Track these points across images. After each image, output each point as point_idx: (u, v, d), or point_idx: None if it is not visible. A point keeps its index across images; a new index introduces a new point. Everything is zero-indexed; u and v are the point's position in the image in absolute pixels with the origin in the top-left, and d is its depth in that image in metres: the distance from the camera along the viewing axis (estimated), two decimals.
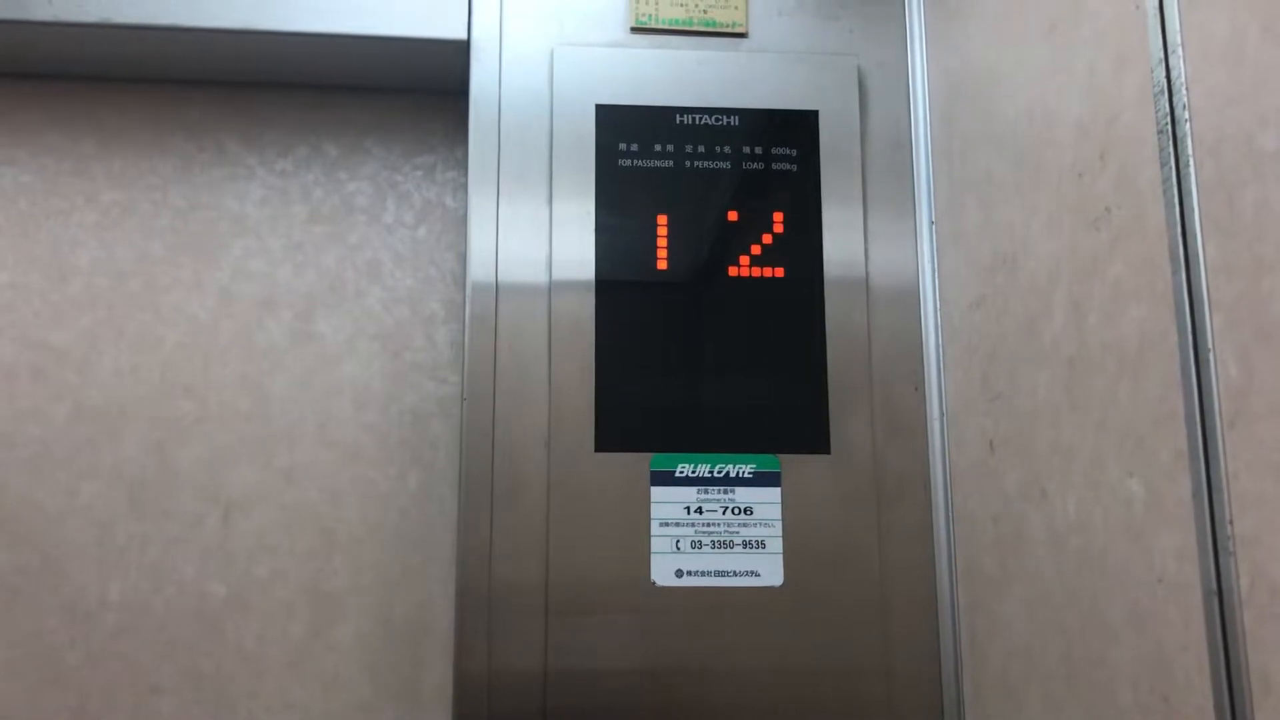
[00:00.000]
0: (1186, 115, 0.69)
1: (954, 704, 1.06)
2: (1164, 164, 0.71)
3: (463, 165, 1.24)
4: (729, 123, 1.14)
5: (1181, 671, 0.69)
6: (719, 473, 1.08)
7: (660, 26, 1.17)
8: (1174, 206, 0.70)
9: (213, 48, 1.19)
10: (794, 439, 1.09)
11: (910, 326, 1.14)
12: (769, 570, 1.06)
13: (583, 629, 1.04)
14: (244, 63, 1.23)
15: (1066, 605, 0.85)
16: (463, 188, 1.26)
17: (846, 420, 1.10)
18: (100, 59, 1.22)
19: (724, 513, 1.07)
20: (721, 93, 1.15)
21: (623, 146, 1.13)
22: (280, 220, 1.27)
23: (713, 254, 1.12)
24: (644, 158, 1.13)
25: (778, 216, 1.13)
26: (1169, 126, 0.71)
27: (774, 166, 1.14)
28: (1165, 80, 0.72)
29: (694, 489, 1.07)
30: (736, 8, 1.18)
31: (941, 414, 1.11)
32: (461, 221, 1.27)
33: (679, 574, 1.06)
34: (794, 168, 1.14)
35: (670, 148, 1.13)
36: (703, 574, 1.06)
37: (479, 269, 1.11)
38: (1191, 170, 0.69)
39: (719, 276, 1.12)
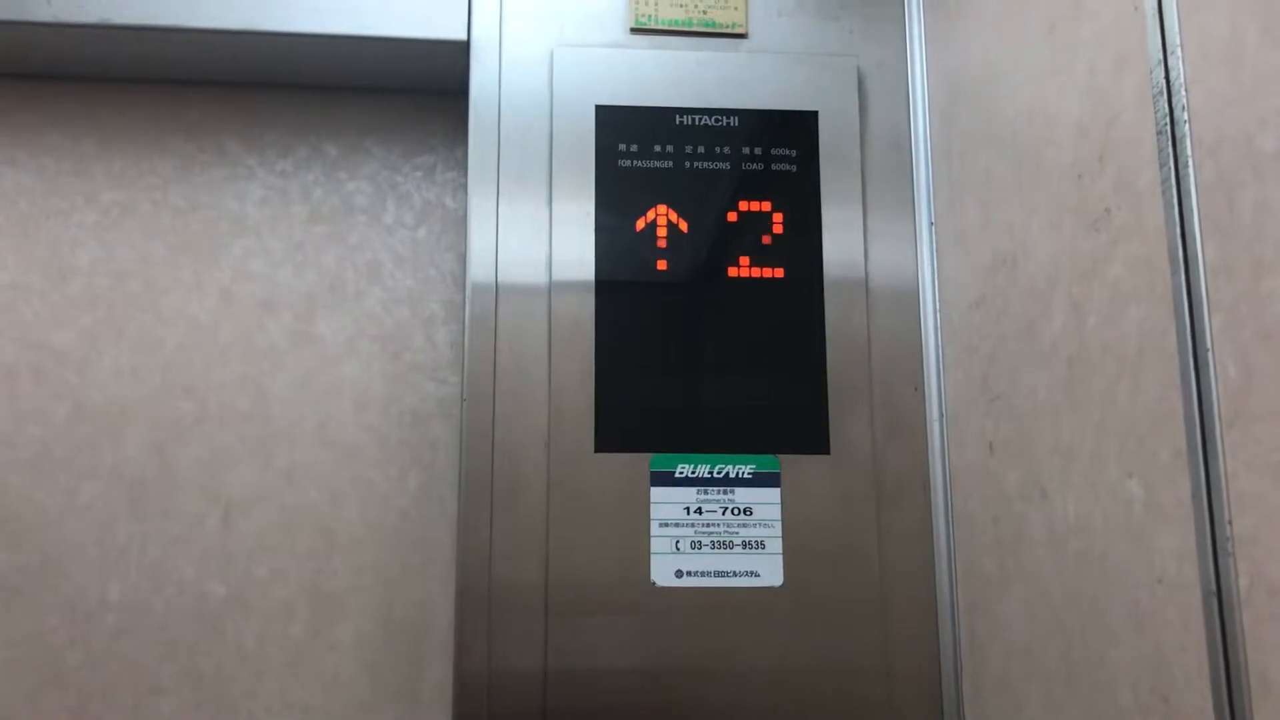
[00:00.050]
0: (1186, 116, 0.69)
1: (954, 704, 1.06)
2: (1163, 165, 0.71)
3: (462, 166, 1.25)
4: (729, 123, 1.14)
5: (1181, 672, 0.69)
6: (719, 473, 1.08)
7: (660, 27, 1.17)
8: (1173, 207, 0.70)
9: (212, 48, 1.19)
10: (794, 439, 1.09)
11: (910, 327, 1.14)
12: (769, 571, 1.06)
13: (583, 629, 1.04)
14: (244, 63, 1.23)
15: (1066, 606, 0.85)
16: (463, 188, 1.27)
17: (846, 421, 1.10)
18: (100, 59, 1.22)
19: (724, 513, 1.07)
20: (721, 93, 1.15)
21: (622, 147, 1.13)
22: (280, 221, 1.27)
23: (712, 255, 1.12)
24: (644, 158, 1.13)
25: (777, 217, 1.13)
26: (1168, 127, 0.71)
27: (774, 167, 1.14)
28: (1165, 81, 0.72)
29: (694, 489, 1.07)
30: (736, 8, 1.18)
31: (941, 414, 1.11)
32: (461, 222, 1.27)
33: (679, 574, 1.06)
34: (794, 168, 1.14)
35: (670, 148, 1.13)
36: (702, 574, 1.06)
37: (479, 269, 1.11)
38: (1191, 171, 0.69)
39: (719, 277, 1.12)
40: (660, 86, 1.15)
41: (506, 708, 1.03)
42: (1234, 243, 0.64)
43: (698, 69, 1.16)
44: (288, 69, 1.25)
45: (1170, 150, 0.71)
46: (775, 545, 1.07)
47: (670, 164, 1.13)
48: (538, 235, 1.11)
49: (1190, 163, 0.69)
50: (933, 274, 1.14)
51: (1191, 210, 0.68)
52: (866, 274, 1.13)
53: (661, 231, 1.12)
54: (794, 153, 1.14)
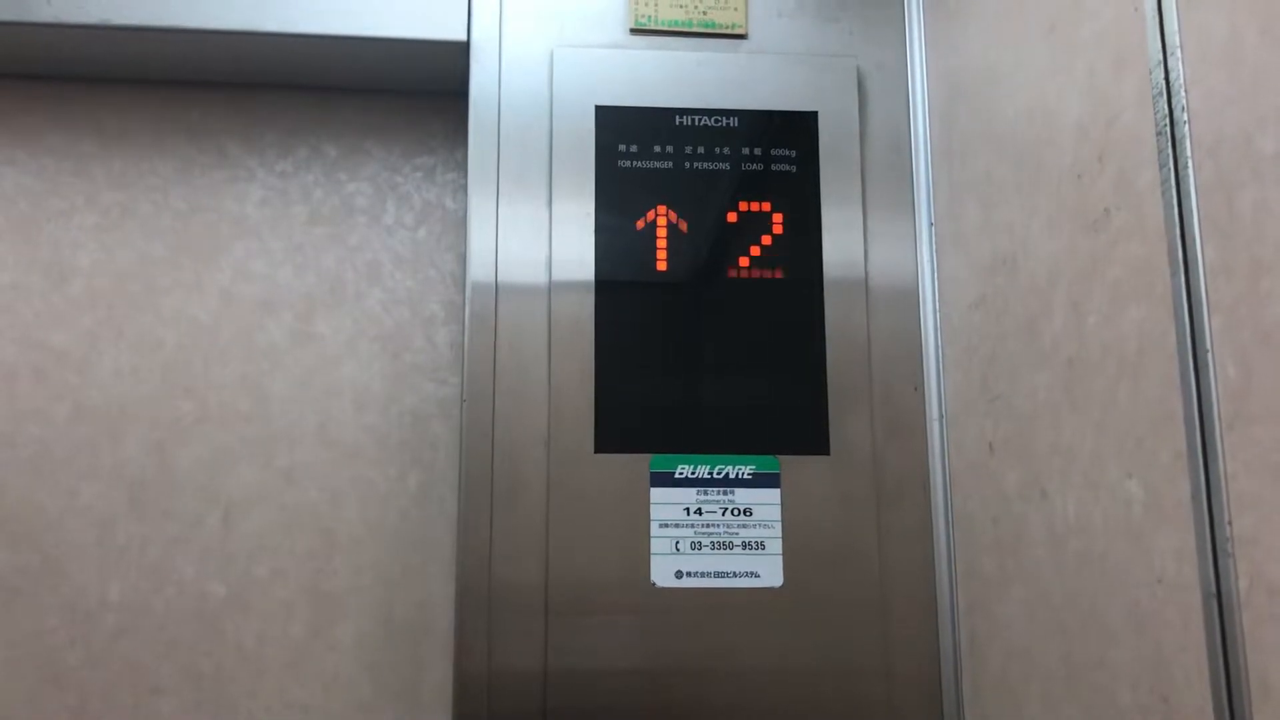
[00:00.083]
0: (1185, 117, 0.69)
1: (954, 705, 1.06)
2: (1163, 165, 0.71)
3: (462, 166, 1.25)
4: (728, 124, 1.14)
5: (1181, 672, 0.69)
6: (718, 474, 1.08)
7: (660, 28, 1.17)
8: (1173, 208, 0.70)
9: (213, 49, 1.19)
10: (793, 440, 1.09)
11: (910, 327, 1.14)
12: (769, 571, 1.06)
13: (583, 629, 1.04)
14: (244, 64, 1.23)
15: (1066, 606, 0.85)
16: (462, 189, 1.27)
17: (846, 421, 1.10)
18: (100, 60, 1.22)
19: (723, 514, 1.07)
20: (721, 94, 1.15)
21: (622, 147, 1.13)
22: (280, 222, 1.27)
23: (712, 255, 1.12)
24: (644, 159, 1.13)
25: (777, 217, 1.13)
26: (1168, 128, 0.71)
27: (773, 168, 1.14)
28: (1164, 82, 0.72)
29: (693, 490, 1.07)
30: (736, 9, 1.18)
31: (941, 415, 1.11)
32: (461, 223, 1.27)
33: (679, 575, 1.06)
34: (793, 169, 1.14)
35: (670, 149, 1.13)
36: (702, 575, 1.06)
37: (479, 270, 1.11)
38: (1190, 172, 0.69)
39: (718, 277, 1.12)
40: (660, 87, 1.15)
41: (506, 708, 1.03)
42: (1233, 243, 0.64)
43: (698, 69, 1.16)
44: (288, 70, 1.25)
45: (1170, 151, 0.71)
46: (775, 546, 1.07)
47: (670, 164, 1.13)
48: (538, 236, 1.11)
49: (1190, 163, 0.69)
50: (933, 274, 1.14)
51: (1191, 211, 0.68)
52: (866, 274, 1.13)
53: (661, 232, 1.12)
54: (794, 153, 1.14)
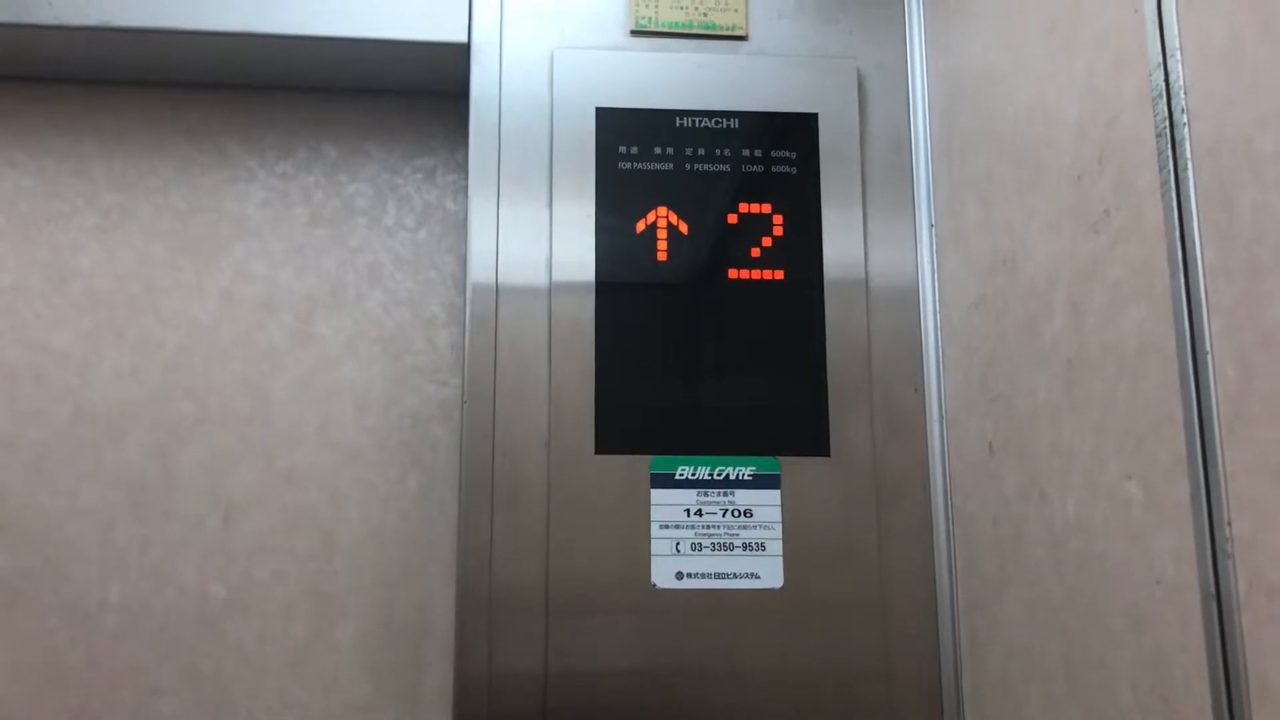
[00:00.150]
0: (1185, 118, 0.69)
1: (954, 705, 1.06)
2: (1162, 167, 0.72)
3: (463, 168, 1.25)
4: (729, 125, 1.15)
5: (1180, 672, 0.69)
6: (719, 475, 1.08)
7: (660, 29, 1.18)
8: (1172, 209, 0.70)
9: (213, 51, 1.19)
10: (794, 441, 1.09)
11: (910, 328, 1.14)
12: (769, 572, 1.06)
13: (583, 630, 1.04)
14: (244, 65, 1.23)
15: (1066, 607, 0.85)
16: (463, 190, 1.27)
17: (846, 422, 1.10)
18: (101, 62, 1.22)
19: (724, 515, 1.07)
20: (721, 95, 1.15)
21: (623, 149, 1.13)
22: (281, 223, 1.27)
23: (713, 256, 1.12)
24: (644, 160, 1.13)
25: (777, 219, 1.13)
26: (1167, 129, 0.71)
27: (774, 169, 1.14)
28: (1164, 83, 0.72)
29: (694, 491, 1.07)
30: (736, 11, 1.18)
31: (941, 415, 1.11)
32: (462, 224, 1.27)
33: (679, 576, 1.06)
34: (794, 170, 1.14)
35: (670, 150, 1.13)
36: (703, 576, 1.06)
37: (479, 271, 1.11)
38: (1190, 173, 0.69)
39: (719, 278, 1.12)
40: (660, 88, 1.15)
41: (507, 709, 1.03)
42: (1233, 245, 0.64)
43: (698, 71, 1.16)
44: (288, 71, 1.25)
45: (1169, 152, 0.71)
46: (775, 547, 1.07)
47: (670, 166, 1.13)
48: (538, 237, 1.12)
49: (1189, 164, 0.69)
50: (933, 275, 1.14)
51: (1191, 212, 0.68)
52: (866, 275, 1.14)
53: (662, 233, 1.12)
54: (794, 154, 1.14)
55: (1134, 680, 0.75)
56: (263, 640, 1.18)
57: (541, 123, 1.14)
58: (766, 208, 1.13)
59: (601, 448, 1.07)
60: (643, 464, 1.07)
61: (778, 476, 1.08)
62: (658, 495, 1.07)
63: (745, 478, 1.08)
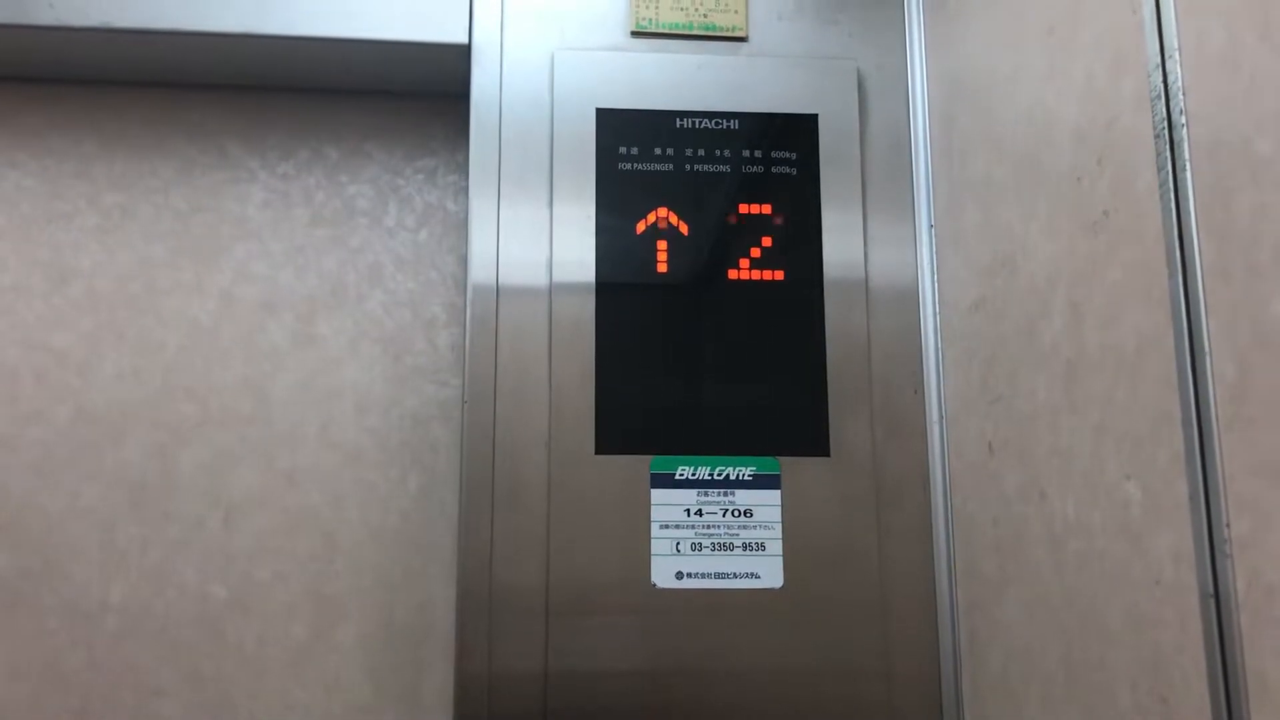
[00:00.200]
0: (1183, 120, 0.69)
1: (953, 705, 1.06)
2: (1161, 168, 0.72)
3: (464, 169, 1.25)
4: (729, 126, 1.15)
5: (1179, 673, 0.69)
6: (719, 475, 1.08)
7: (660, 30, 1.18)
8: (1171, 211, 0.71)
9: (214, 51, 1.19)
10: (794, 441, 1.09)
11: (910, 329, 1.14)
12: (769, 572, 1.07)
13: (583, 631, 1.05)
14: (245, 66, 1.24)
15: (1065, 607, 0.85)
16: (464, 191, 1.27)
17: (846, 422, 1.10)
18: (101, 62, 1.22)
19: (724, 515, 1.07)
20: (721, 96, 1.15)
21: (623, 150, 1.13)
22: (282, 223, 1.27)
23: (713, 257, 1.13)
24: (644, 161, 1.13)
25: (777, 220, 1.13)
26: (1166, 131, 0.71)
27: (774, 170, 1.14)
28: (1162, 85, 0.72)
29: (694, 491, 1.07)
30: (736, 12, 1.18)
31: (941, 416, 1.11)
32: (462, 225, 1.27)
33: (679, 576, 1.06)
34: (794, 171, 1.14)
35: (670, 151, 1.14)
36: (703, 576, 1.06)
37: (480, 272, 1.11)
38: (1188, 175, 0.69)
39: (719, 279, 1.12)
40: (661, 89, 1.15)
41: (507, 709, 1.03)
42: (1231, 246, 0.64)
43: (698, 72, 1.16)
44: (289, 72, 1.25)
45: (1168, 154, 0.71)
46: (775, 547, 1.07)
47: (671, 167, 1.13)
48: (538, 238, 1.12)
49: (1188, 166, 0.69)
50: (932, 276, 1.14)
51: (1189, 213, 0.69)
52: (866, 276, 1.14)
53: (662, 234, 1.12)
54: (794, 155, 1.15)
55: (1133, 680, 0.75)
56: (263, 641, 1.18)
57: (542, 123, 1.14)
58: (767, 208, 1.13)
59: (602, 448, 1.07)
60: (643, 464, 1.08)
61: (778, 477, 1.08)
62: (658, 495, 1.07)
63: (745, 478, 1.08)
